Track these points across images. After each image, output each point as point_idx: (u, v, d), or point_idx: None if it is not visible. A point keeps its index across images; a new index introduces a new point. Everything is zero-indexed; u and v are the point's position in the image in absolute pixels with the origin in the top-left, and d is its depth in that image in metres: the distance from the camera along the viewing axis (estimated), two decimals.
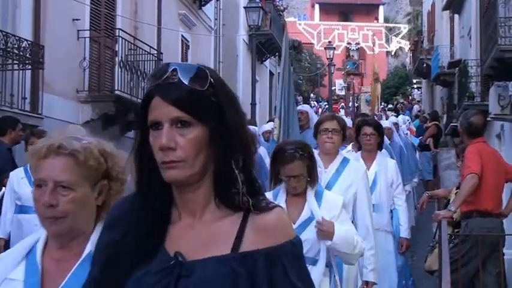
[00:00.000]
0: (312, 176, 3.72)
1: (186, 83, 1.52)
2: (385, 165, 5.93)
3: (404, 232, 6.17)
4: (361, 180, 4.52)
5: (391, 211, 6.06)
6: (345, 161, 4.64)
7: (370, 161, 5.84)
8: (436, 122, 17.71)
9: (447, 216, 5.88)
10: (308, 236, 3.61)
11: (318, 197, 3.76)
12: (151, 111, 1.54)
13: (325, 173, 4.51)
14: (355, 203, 4.45)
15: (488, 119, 12.68)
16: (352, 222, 4.32)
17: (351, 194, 4.42)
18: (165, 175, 1.52)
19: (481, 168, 5.79)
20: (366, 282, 4.50)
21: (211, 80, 1.56)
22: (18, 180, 6.11)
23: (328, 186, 4.39)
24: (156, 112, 1.52)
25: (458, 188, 6.65)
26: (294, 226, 3.21)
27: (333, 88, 38.08)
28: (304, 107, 10.12)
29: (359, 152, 6.08)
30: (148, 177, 1.57)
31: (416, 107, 34.45)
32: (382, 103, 39.60)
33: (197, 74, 1.55)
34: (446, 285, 4.72)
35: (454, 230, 6.27)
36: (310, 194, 3.70)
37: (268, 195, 3.47)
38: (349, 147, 7.15)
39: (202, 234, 1.54)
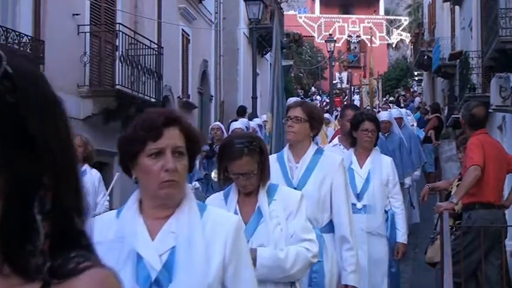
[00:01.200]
0: (263, 173, 3.24)
1: None
2: (380, 162, 5.46)
3: (402, 237, 5.58)
4: (337, 172, 4.06)
5: (386, 212, 5.52)
6: (319, 152, 4.17)
7: (364, 158, 5.45)
8: (438, 114, 17.68)
9: (449, 208, 5.88)
10: (259, 240, 3.19)
11: (271, 194, 3.27)
12: None
13: (296, 169, 4.12)
14: (331, 198, 4.04)
15: (489, 110, 12.67)
16: (331, 221, 4.07)
17: (326, 189, 4.03)
18: None
19: (483, 160, 5.78)
20: (345, 286, 4.03)
21: (8, 68, 0.97)
22: None
23: (301, 184, 4.05)
24: None
25: (459, 179, 6.64)
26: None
27: (335, 82, 38.01)
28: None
29: (351, 149, 5.61)
30: None
31: (417, 99, 34.41)
32: (386, 95, 39.57)
33: None
34: (449, 277, 4.72)
35: (455, 222, 6.27)
36: (262, 193, 3.24)
37: (219, 195, 3.34)
38: (336, 140, 6.81)
39: None
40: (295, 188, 3.87)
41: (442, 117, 18.50)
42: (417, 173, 10.36)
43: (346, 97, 36.11)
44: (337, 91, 40.94)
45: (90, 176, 6.80)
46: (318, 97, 39.39)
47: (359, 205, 5.25)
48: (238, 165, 3.16)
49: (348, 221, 4.03)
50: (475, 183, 5.75)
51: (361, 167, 5.38)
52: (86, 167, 6.73)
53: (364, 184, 5.30)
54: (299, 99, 9.82)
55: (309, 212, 3.56)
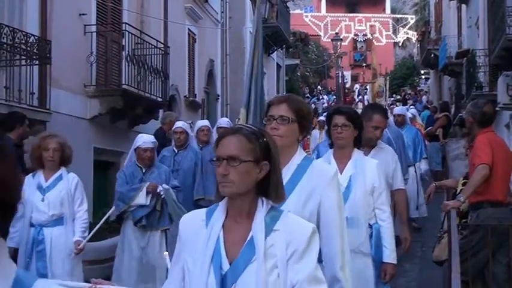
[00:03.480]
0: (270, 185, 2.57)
1: None
2: (363, 166, 4.57)
3: (389, 256, 4.66)
4: (329, 188, 3.20)
5: (370, 226, 4.63)
6: (307, 160, 3.31)
7: (345, 161, 4.57)
8: (447, 113, 17.67)
9: (456, 207, 5.87)
10: (246, 287, 2.38)
11: (272, 220, 2.46)
12: None
13: None
14: (319, 218, 3.18)
15: (496, 108, 12.64)
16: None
17: (313, 208, 3.17)
18: None
19: (492, 159, 5.77)
20: None
21: None
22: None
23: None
24: None
25: (465, 178, 6.63)
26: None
27: (346, 81, 37.85)
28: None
29: (330, 150, 4.73)
30: None
31: (424, 98, 34.36)
32: (393, 94, 39.49)
33: None
34: (456, 276, 4.71)
35: (461, 221, 6.25)
36: (259, 216, 2.45)
37: (200, 214, 2.52)
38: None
39: None
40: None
41: (450, 116, 18.48)
42: (425, 166, 10.39)
43: (360, 96, 35.90)
44: (346, 90, 40.73)
45: (66, 182, 6.27)
46: (325, 97, 39.19)
47: None
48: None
49: (341, 255, 3.17)
50: (482, 182, 5.74)
51: (341, 172, 4.45)
52: (62, 171, 6.30)
53: (344, 193, 4.30)
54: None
55: None
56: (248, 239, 2.38)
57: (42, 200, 6.15)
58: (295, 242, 2.36)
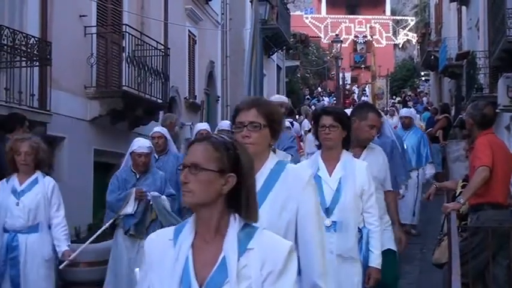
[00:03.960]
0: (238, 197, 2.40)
1: None
2: (353, 168, 4.41)
3: (375, 260, 4.50)
4: (305, 193, 2.98)
5: (360, 231, 4.49)
6: (280, 165, 3.08)
7: (334, 163, 4.41)
8: (447, 115, 17.69)
9: (456, 209, 5.86)
10: None
11: (246, 238, 2.24)
12: None
13: None
14: (297, 229, 2.97)
15: (497, 110, 12.64)
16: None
17: (289, 217, 2.94)
18: None
19: (492, 161, 5.77)
20: None
21: None
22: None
23: None
24: None
25: (464, 180, 6.63)
26: None
27: (346, 83, 37.83)
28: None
29: (317, 152, 4.57)
30: None
31: (424, 99, 34.38)
32: (393, 96, 39.45)
33: None
34: (457, 278, 4.71)
35: (461, 223, 6.25)
36: (231, 233, 2.22)
37: (167, 233, 2.30)
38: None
39: None
40: None
41: (451, 118, 18.50)
42: (431, 171, 10.26)
43: (363, 98, 35.87)
44: (347, 92, 40.72)
45: (42, 186, 5.98)
46: (326, 98, 39.10)
47: (328, 222, 4.23)
48: None
49: (322, 261, 2.97)
50: (482, 184, 5.74)
51: (330, 175, 4.37)
52: (37, 174, 6.02)
53: (334, 196, 4.30)
54: (283, 96, 8.08)
55: None
56: (220, 259, 2.17)
57: (17, 205, 5.87)
58: (271, 262, 2.16)
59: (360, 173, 4.41)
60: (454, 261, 5.05)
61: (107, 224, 6.98)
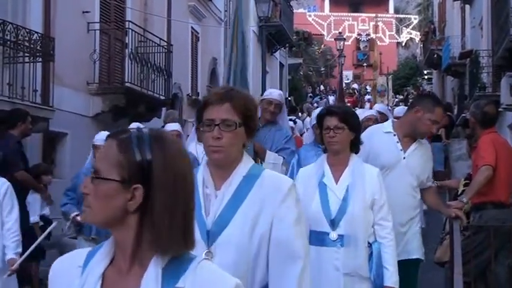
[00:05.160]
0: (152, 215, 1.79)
1: None
2: (362, 174, 3.91)
3: (390, 278, 3.88)
4: (283, 205, 2.39)
5: (370, 245, 3.90)
6: (254, 171, 2.50)
7: (341, 168, 3.93)
8: (449, 113, 17.67)
9: (458, 208, 5.85)
10: None
11: (177, 271, 1.61)
12: None
13: (215, 199, 2.44)
14: (269, 252, 2.41)
15: (500, 109, 12.63)
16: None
17: (262, 231, 2.38)
18: None
19: (495, 160, 5.75)
20: None
21: None
22: None
23: (220, 224, 2.40)
24: None
25: (466, 179, 6.62)
26: None
27: (347, 81, 37.75)
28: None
29: (323, 156, 4.08)
30: None
31: None
32: (396, 95, 39.37)
33: None
34: (458, 277, 4.70)
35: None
36: (153, 264, 1.59)
37: (77, 257, 1.69)
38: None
39: None
40: (207, 233, 2.37)
41: (453, 117, 18.49)
42: None
43: (367, 96, 35.70)
44: (350, 91, 40.60)
45: None
46: (331, 97, 38.60)
47: (333, 235, 3.79)
48: None
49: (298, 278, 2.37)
50: (485, 183, 5.73)
51: (336, 182, 3.89)
52: None
53: (341, 206, 3.82)
54: (279, 91, 6.80)
55: (231, 273, 1.65)
56: None
57: None
58: None
59: (371, 180, 3.91)
60: (456, 260, 5.04)
61: (45, 233, 6.28)
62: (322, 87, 43.98)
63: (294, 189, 2.48)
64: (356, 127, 3.99)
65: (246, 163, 2.50)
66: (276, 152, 5.82)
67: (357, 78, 48.63)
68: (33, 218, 7.41)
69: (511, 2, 13.14)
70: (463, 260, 5.31)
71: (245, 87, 4.93)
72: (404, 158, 4.58)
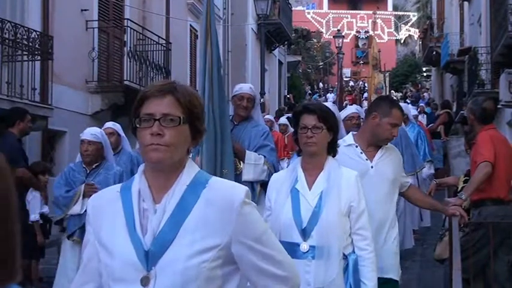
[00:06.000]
0: None
1: None
2: (339, 179, 3.53)
3: None
4: (240, 218, 2.01)
5: (345, 257, 3.52)
6: (200, 177, 2.09)
7: (315, 173, 3.57)
8: (448, 110, 17.68)
9: (457, 204, 5.85)
10: None
11: None
12: None
13: (154, 215, 2.02)
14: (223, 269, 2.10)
15: (498, 106, 12.64)
16: None
17: (213, 255, 1.99)
18: None
19: (494, 156, 5.76)
20: None
21: None
22: None
23: (158, 249, 1.98)
24: None
25: (466, 176, 6.62)
26: None
27: (346, 79, 37.70)
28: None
29: (298, 159, 3.70)
30: None
31: (426, 95, 34.35)
32: (395, 91, 39.36)
33: None
34: (457, 273, 4.71)
35: None
36: None
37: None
38: (349, 137, 4.37)
39: None
40: (146, 254, 1.98)
41: (452, 113, 18.50)
42: (428, 170, 9.91)
43: (365, 94, 35.64)
44: (349, 89, 40.58)
45: None
46: (331, 94, 38.49)
47: (304, 246, 3.43)
48: None
49: None
50: (484, 180, 5.73)
51: (309, 188, 3.53)
52: None
53: (313, 214, 3.45)
54: (249, 85, 6.02)
55: None
56: None
57: None
58: None
59: (348, 185, 3.52)
60: (455, 257, 5.05)
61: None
62: (321, 85, 43.99)
63: (248, 199, 2.05)
64: (335, 128, 3.64)
65: (190, 170, 2.08)
66: (255, 151, 5.41)
67: (355, 75, 48.64)
68: (33, 216, 7.39)
69: None
70: (462, 256, 5.32)
71: (221, 83, 4.87)
72: (372, 167, 4.16)
